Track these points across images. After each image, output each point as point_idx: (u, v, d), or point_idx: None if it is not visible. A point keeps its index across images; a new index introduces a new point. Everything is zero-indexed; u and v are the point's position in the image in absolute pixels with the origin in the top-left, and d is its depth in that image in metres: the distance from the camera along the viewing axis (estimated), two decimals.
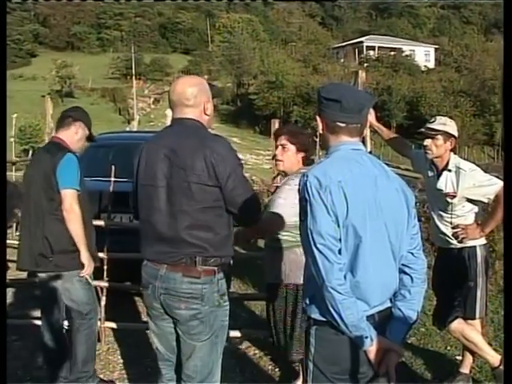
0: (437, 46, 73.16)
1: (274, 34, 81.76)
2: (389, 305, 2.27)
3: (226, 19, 74.72)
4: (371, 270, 2.15)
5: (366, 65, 61.41)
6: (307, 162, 3.53)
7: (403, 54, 66.55)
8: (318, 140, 2.76)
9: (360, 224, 2.12)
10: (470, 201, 3.71)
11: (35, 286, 5.75)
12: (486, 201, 3.70)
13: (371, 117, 3.89)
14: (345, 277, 2.10)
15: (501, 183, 3.47)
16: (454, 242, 3.77)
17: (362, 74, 4.46)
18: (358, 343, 2.13)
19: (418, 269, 2.30)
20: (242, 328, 4.66)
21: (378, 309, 2.21)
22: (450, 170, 3.71)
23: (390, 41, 72.15)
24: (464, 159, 3.93)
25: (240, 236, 3.43)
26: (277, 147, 3.57)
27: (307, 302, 2.25)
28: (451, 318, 3.77)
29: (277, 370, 4.31)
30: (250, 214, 2.77)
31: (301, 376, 3.79)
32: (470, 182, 3.64)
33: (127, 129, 34.36)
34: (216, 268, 2.69)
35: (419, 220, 2.59)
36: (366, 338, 2.11)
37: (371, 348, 2.13)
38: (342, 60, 68.47)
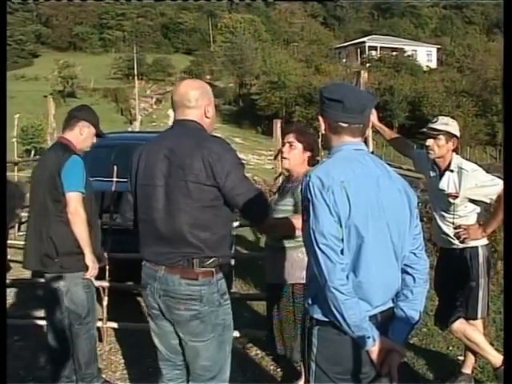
0: (439, 46, 73.14)
1: (276, 34, 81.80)
2: (391, 305, 2.27)
3: (228, 19, 74.76)
4: (373, 270, 2.15)
5: (368, 65, 61.40)
6: (312, 162, 3.53)
7: (405, 54, 66.51)
8: (320, 140, 2.76)
9: (362, 224, 2.13)
10: (472, 201, 3.71)
11: (37, 286, 5.78)
12: (488, 201, 3.70)
13: (373, 117, 3.90)
14: (347, 277, 2.10)
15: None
16: (456, 242, 3.77)
17: (363, 74, 4.46)
18: (360, 343, 2.13)
19: (420, 269, 2.30)
20: (244, 328, 4.66)
21: (380, 309, 2.22)
22: (452, 171, 3.71)
23: (392, 41, 72.14)
24: (466, 159, 3.92)
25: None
26: (283, 144, 3.58)
27: (309, 302, 2.25)
28: (453, 318, 3.77)
29: (279, 370, 4.31)
30: (253, 213, 2.79)
31: (303, 376, 3.79)
32: (472, 183, 3.64)
33: (129, 129, 34.38)
34: (214, 269, 2.69)
35: (421, 220, 2.60)
36: (369, 338, 2.11)
37: (373, 348, 2.13)
38: (344, 60, 68.46)
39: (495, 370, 3.76)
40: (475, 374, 4.07)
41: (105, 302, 4.73)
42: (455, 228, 3.75)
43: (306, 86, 50.77)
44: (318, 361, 2.22)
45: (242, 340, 4.66)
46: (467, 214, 3.74)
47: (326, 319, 2.16)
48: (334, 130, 2.27)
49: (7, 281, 4.96)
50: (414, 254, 2.30)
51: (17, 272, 6.60)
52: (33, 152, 27.20)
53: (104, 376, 4.11)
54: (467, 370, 3.97)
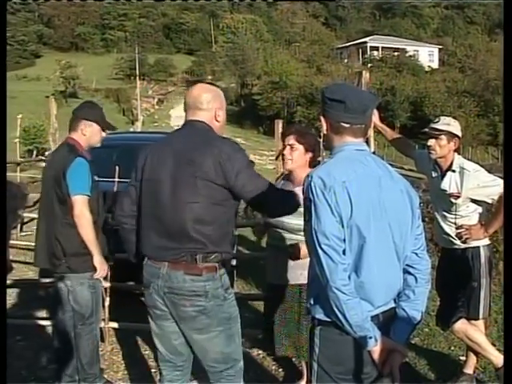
0: (440, 47, 73.07)
1: (277, 35, 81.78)
2: (393, 305, 2.28)
3: (229, 20, 74.82)
4: (375, 271, 2.15)
5: (369, 65, 61.37)
6: (314, 163, 3.53)
7: (407, 55, 66.46)
8: (321, 140, 2.77)
9: (364, 224, 2.13)
10: (473, 201, 3.71)
11: (39, 286, 5.79)
12: (489, 201, 3.70)
13: (375, 117, 3.89)
14: (349, 277, 2.11)
15: None
16: (458, 242, 3.77)
17: (365, 75, 4.47)
18: (362, 343, 2.14)
19: (422, 269, 2.30)
20: (245, 328, 4.65)
21: (382, 309, 2.22)
22: (453, 171, 3.71)
23: (394, 41, 72.09)
24: (468, 159, 3.92)
25: None
26: (284, 147, 3.56)
27: (311, 302, 2.26)
28: (455, 318, 3.77)
29: (280, 370, 4.31)
30: (269, 209, 2.87)
31: (305, 376, 3.80)
32: (474, 183, 3.64)
33: (131, 129, 34.40)
34: (217, 264, 2.72)
35: (423, 220, 2.59)
36: (370, 338, 2.11)
37: (375, 348, 2.13)
38: (346, 60, 68.49)
39: (497, 371, 3.76)
40: (477, 374, 4.08)
41: (106, 303, 4.73)
42: (457, 228, 3.75)
43: (308, 86, 50.76)
44: (320, 361, 2.22)
45: (244, 340, 4.66)
46: (469, 214, 3.74)
47: (328, 319, 2.17)
48: (336, 130, 2.27)
49: (9, 281, 4.98)
50: (416, 254, 2.30)
51: (19, 272, 6.61)
52: (35, 152, 27.22)
53: (106, 376, 4.12)
54: (469, 370, 3.98)
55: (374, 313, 2.18)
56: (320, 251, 2.08)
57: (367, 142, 2.69)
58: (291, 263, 3.50)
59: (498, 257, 5.62)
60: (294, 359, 4.13)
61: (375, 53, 68.87)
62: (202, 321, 2.71)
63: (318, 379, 2.25)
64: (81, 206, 3.54)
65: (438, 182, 3.78)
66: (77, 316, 3.74)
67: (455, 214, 3.75)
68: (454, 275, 3.82)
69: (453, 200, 3.71)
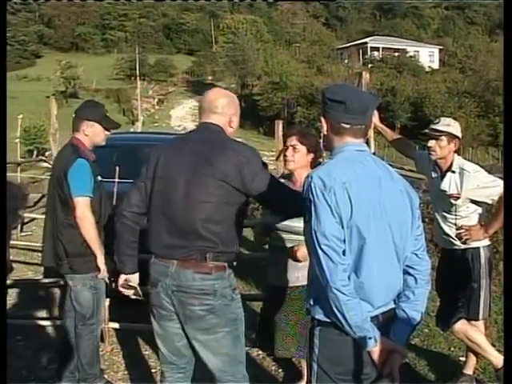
0: (441, 47, 73.01)
1: (277, 35, 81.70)
2: (393, 306, 2.28)
3: (229, 20, 74.67)
4: (375, 271, 2.15)
5: (370, 66, 61.34)
6: (315, 164, 3.53)
7: (407, 55, 66.43)
8: (321, 141, 2.77)
9: (364, 225, 2.13)
10: (473, 202, 3.71)
11: (39, 286, 5.79)
12: (489, 202, 3.70)
13: (375, 118, 3.89)
14: (349, 278, 2.11)
15: None
16: (458, 243, 3.77)
17: (365, 75, 4.46)
18: (361, 344, 2.14)
19: (422, 270, 2.30)
20: (245, 329, 4.66)
21: (381, 310, 2.22)
22: (453, 172, 3.71)
23: (394, 41, 72.07)
24: (468, 160, 3.92)
25: None
26: (286, 148, 3.56)
27: (311, 302, 2.26)
28: (455, 319, 3.77)
29: (280, 370, 4.31)
30: (284, 210, 2.90)
31: (305, 376, 3.80)
32: (474, 184, 3.64)
33: (131, 129, 34.38)
34: (226, 264, 2.74)
35: (423, 221, 2.59)
36: (370, 338, 2.11)
37: (375, 349, 2.14)
38: (346, 61, 68.42)
39: (497, 371, 3.75)
40: (477, 374, 4.08)
41: (106, 303, 4.73)
42: (457, 229, 3.75)
43: (308, 86, 50.73)
44: (320, 361, 2.22)
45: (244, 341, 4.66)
46: (469, 215, 3.74)
47: (328, 320, 2.17)
48: (336, 130, 2.28)
49: (9, 281, 4.98)
50: (416, 254, 2.30)
51: (19, 272, 6.62)
52: (35, 152, 27.22)
53: (106, 376, 4.12)
54: (469, 370, 3.97)
55: (373, 313, 2.18)
56: (320, 252, 2.09)
57: (367, 142, 2.69)
58: (291, 264, 3.50)
59: (498, 257, 5.61)
60: (293, 359, 4.13)
61: (376, 53, 68.85)
62: (209, 320, 2.71)
63: (317, 380, 2.25)
64: (83, 208, 3.55)
65: (438, 182, 3.78)
66: (78, 316, 3.76)
67: (455, 215, 3.75)
68: (453, 276, 3.82)
69: (453, 201, 3.71)
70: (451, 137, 3.70)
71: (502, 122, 42.90)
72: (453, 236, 3.78)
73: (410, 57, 66.24)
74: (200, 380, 3.09)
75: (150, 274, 2.81)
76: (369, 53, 69.26)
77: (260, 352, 4.60)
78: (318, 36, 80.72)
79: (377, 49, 69.88)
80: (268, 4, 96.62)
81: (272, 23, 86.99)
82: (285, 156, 3.56)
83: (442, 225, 3.84)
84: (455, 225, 3.77)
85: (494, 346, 3.96)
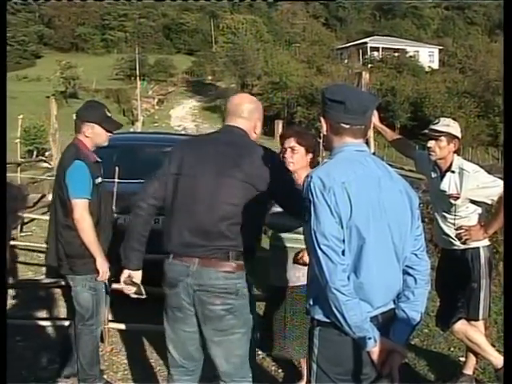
0: (441, 47, 72.99)
1: (277, 35, 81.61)
2: (392, 306, 2.28)
3: (229, 20, 74.60)
4: (375, 271, 2.15)
5: (369, 66, 61.27)
6: (314, 163, 3.53)
7: (407, 55, 66.39)
8: (321, 141, 2.78)
9: (363, 225, 2.13)
10: (473, 202, 3.71)
11: (39, 286, 5.79)
12: (489, 202, 3.70)
13: (375, 118, 3.89)
14: (348, 278, 2.11)
15: None
16: (458, 243, 3.77)
17: (365, 75, 4.47)
18: (361, 344, 2.14)
19: (421, 270, 2.30)
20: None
21: (381, 310, 2.22)
22: (453, 172, 3.71)
23: (394, 42, 72.02)
24: (468, 160, 3.93)
25: None
26: (285, 149, 3.55)
27: (311, 302, 2.26)
28: (454, 319, 3.77)
29: (280, 370, 4.31)
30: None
31: (304, 377, 3.79)
32: (474, 184, 3.64)
33: (131, 130, 34.38)
34: (244, 263, 2.77)
35: (423, 221, 2.60)
36: (370, 339, 2.11)
37: (374, 349, 2.14)
38: (346, 61, 68.38)
39: (496, 371, 3.75)
40: (476, 375, 4.07)
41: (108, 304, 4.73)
42: (457, 229, 3.75)
43: (308, 86, 50.73)
44: (319, 361, 2.23)
45: None
46: (468, 215, 3.74)
47: (327, 320, 2.17)
48: (336, 131, 2.28)
49: (10, 281, 4.98)
50: (416, 255, 2.30)
51: (19, 272, 6.62)
52: (35, 153, 27.21)
53: (105, 377, 4.12)
54: (468, 371, 3.97)
55: (373, 313, 2.18)
56: (319, 252, 2.09)
57: (367, 142, 2.70)
58: (291, 264, 3.50)
59: (498, 257, 5.62)
60: (293, 360, 4.13)
61: (375, 53, 68.81)
62: (228, 321, 2.73)
63: (317, 380, 2.25)
64: (81, 210, 3.54)
65: (438, 182, 3.78)
66: (77, 316, 3.78)
67: (455, 215, 3.75)
68: (453, 276, 3.82)
69: (452, 201, 3.71)
70: (451, 137, 3.70)
71: (501, 122, 42.93)
72: (452, 236, 3.78)
73: (410, 57, 66.20)
74: (203, 379, 3.09)
75: (167, 275, 2.80)
76: (368, 53, 69.22)
77: (260, 352, 4.59)
78: (317, 36, 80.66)
79: (376, 49, 69.83)
80: (268, 4, 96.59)
81: (272, 23, 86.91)
82: (284, 158, 3.54)
83: (442, 225, 3.84)
84: (455, 225, 3.76)
85: (493, 346, 3.95)
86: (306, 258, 3.20)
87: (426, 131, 3.77)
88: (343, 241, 2.11)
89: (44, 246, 5.73)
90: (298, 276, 3.49)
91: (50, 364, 4.36)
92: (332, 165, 2.22)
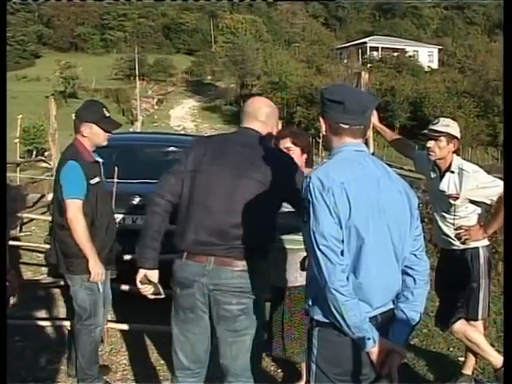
0: (440, 47, 73.01)
1: (277, 35, 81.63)
2: (391, 306, 2.28)
3: (229, 20, 74.63)
4: (374, 272, 2.15)
5: (369, 65, 61.27)
6: (309, 163, 3.53)
7: (406, 55, 66.36)
8: (320, 141, 2.79)
9: (363, 225, 2.13)
10: (472, 202, 3.71)
11: (39, 286, 5.79)
12: (488, 202, 3.70)
13: (374, 118, 3.89)
14: (347, 278, 2.11)
15: None
16: (457, 243, 3.77)
17: (364, 75, 4.46)
18: (360, 344, 2.14)
19: (420, 270, 2.30)
20: None
21: (380, 310, 2.22)
22: (452, 172, 3.71)
23: (394, 41, 72.04)
24: (468, 160, 3.93)
25: None
26: None
27: (310, 303, 2.26)
28: (454, 319, 3.77)
29: (279, 370, 4.31)
30: None
31: (304, 377, 3.79)
32: (473, 184, 3.64)
33: (130, 129, 34.38)
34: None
35: (422, 221, 2.60)
36: (369, 339, 2.11)
37: (373, 349, 2.13)
38: (346, 61, 68.26)
39: (496, 371, 3.75)
40: (476, 375, 4.07)
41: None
42: (456, 229, 3.75)
43: (307, 86, 50.71)
44: (319, 362, 2.22)
45: None
46: (468, 215, 3.74)
47: (327, 320, 2.17)
48: (335, 131, 2.28)
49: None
50: (415, 255, 2.30)
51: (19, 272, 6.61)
52: (34, 153, 27.22)
53: (104, 377, 4.12)
54: (468, 371, 3.97)
55: (372, 314, 2.18)
56: (318, 252, 2.09)
57: (366, 142, 2.70)
58: (291, 265, 3.50)
59: (498, 257, 5.62)
60: (292, 360, 4.12)
61: (375, 53, 68.81)
62: (242, 321, 2.74)
63: (316, 380, 2.24)
64: (74, 210, 3.55)
65: (437, 182, 3.78)
66: (76, 316, 3.79)
67: (454, 215, 3.75)
68: (453, 276, 3.82)
69: (452, 201, 3.71)
70: (450, 137, 3.70)
71: (501, 121, 42.93)
72: (452, 236, 3.78)
73: (410, 57, 66.18)
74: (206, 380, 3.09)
75: (179, 275, 2.79)
76: (368, 53, 69.21)
77: None
78: (317, 36, 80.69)
79: (376, 49, 69.85)
80: (267, 4, 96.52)
81: (271, 23, 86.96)
82: None
83: (441, 225, 3.84)
84: (454, 225, 3.76)
85: (493, 346, 3.96)
86: None
87: (426, 131, 3.77)
88: (342, 241, 2.11)
89: (43, 246, 5.73)
90: (295, 276, 3.49)
91: (49, 364, 4.36)
92: (331, 165, 2.22)
